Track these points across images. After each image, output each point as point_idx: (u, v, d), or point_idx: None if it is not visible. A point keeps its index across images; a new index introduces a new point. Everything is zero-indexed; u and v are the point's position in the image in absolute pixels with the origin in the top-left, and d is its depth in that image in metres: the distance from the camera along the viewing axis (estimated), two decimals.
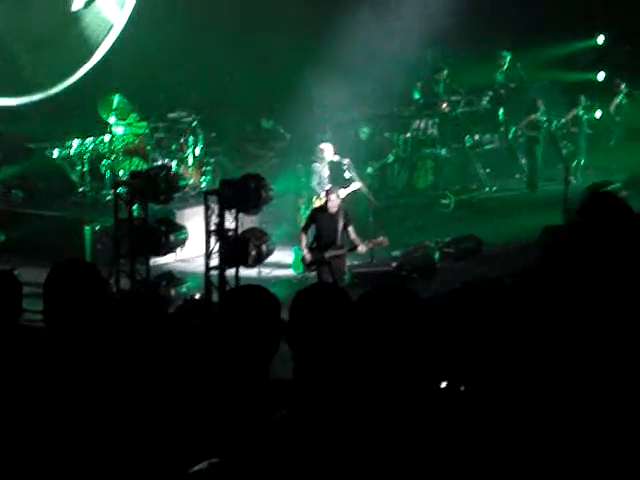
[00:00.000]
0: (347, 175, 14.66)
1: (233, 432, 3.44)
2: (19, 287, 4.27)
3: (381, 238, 13.11)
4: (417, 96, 19.26)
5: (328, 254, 12.48)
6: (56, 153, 16.19)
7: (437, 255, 14.40)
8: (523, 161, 19.54)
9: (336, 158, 14.62)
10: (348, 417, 3.09)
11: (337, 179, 14.67)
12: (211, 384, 3.87)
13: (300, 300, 3.84)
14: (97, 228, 14.51)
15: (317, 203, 14.56)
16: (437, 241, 14.81)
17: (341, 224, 12.53)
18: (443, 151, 18.72)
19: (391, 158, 17.02)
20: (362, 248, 12.74)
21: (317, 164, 14.61)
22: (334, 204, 12.48)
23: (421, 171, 19.08)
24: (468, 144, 19.05)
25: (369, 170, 15.95)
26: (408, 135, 18.85)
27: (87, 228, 14.60)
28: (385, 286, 3.44)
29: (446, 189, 18.05)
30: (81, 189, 16.13)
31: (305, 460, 2.83)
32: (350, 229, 12.64)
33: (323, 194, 14.47)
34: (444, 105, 18.98)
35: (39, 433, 3.59)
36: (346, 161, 14.60)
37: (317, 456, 2.84)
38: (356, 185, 14.56)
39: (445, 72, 19.25)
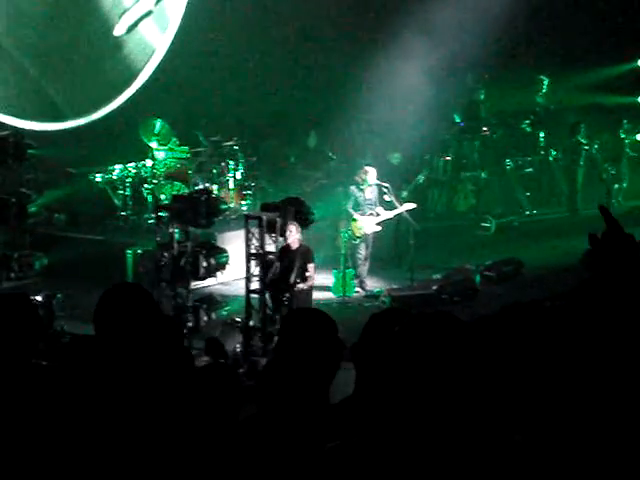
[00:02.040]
0: (387, 198, 14.74)
1: (291, 459, 3.41)
2: (35, 310, 4.20)
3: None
4: (457, 119, 19.25)
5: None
6: (99, 178, 16.39)
7: (478, 278, 14.35)
8: (564, 185, 19.45)
9: (376, 181, 14.72)
10: (401, 450, 3.06)
11: (379, 202, 14.77)
12: (265, 411, 3.83)
13: (374, 322, 3.85)
14: (139, 252, 14.61)
15: (352, 226, 14.66)
16: (478, 264, 14.77)
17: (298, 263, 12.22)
18: (483, 174, 18.69)
19: (421, 179, 16.99)
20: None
21: (353, 187, 14.76)
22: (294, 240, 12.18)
23: (461, 194, 19.07)
24: (509, 167, 19.00)
25: (404, 194, 15.99)
26: (448, 158, 18.86)
27: (129, 252, 14.73)
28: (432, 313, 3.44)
29: (487, 212, 18.01)
30: (123, 213, 16.29)
31: None
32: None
33: (357, 216, 14.59)
34: (485, 128, 18.97)
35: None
36: (386, 185, 14.68)
37: None
38: (406, 206, 14.68)
39: (484, 95, 19.25)
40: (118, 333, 3.80)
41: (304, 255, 12.19)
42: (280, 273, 11.93)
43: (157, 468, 3.58)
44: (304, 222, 11.91)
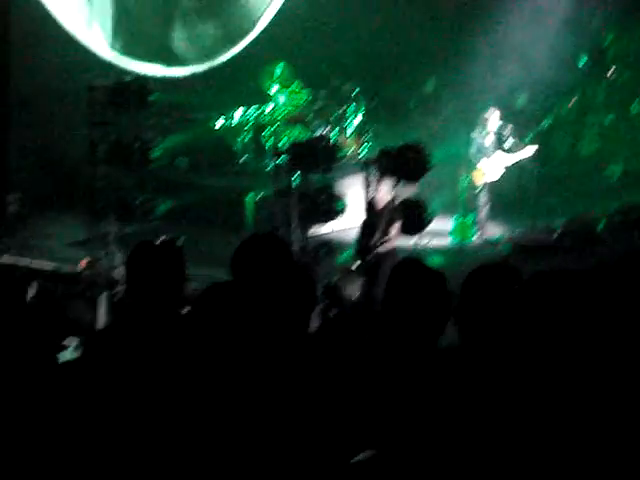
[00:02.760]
0: (508, 143, 14.50)
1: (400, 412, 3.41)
2: (182, 257, 4.26)
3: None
4: (583, 61, 18.73)
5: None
6: (219, 123, 16.51)
7: (602, 226, 14.02)
8: None
9: (498, 126, 14.49)
10: None
11: (499, 148, 14.55)
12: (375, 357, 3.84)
13: (473, 279, 3.82)
14: (258, 197, 14.72)
15: (473, 174, 14.47)
16: (602, 211, 14.43)
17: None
18: (609, 117, 18.19)
19: (547, 124, 16.52)
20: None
21: (475, 133, 14.54)
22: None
23: (586, 138, 18.61)
24: (635, 111, 18.43)
25: (528, 138, 15.68)
26: (574, 100, 18.40)
27: (249, 197, 14.84)
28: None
29: (613, 157, 17.55)
30: (243, 158, 16.39)
31: None
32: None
33: (479, 164, 14.38)
34: (611, 71, 18.43)
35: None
36: (508, 128, 14.43)
37: None
38: (528, 151, 14.41)
39: (612, 36, 18.67)
40: (257, 282, 3.85)
41: (392, 213, 11.18)
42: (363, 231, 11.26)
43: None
44: (422, 169, 11.73)
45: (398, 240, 11.17)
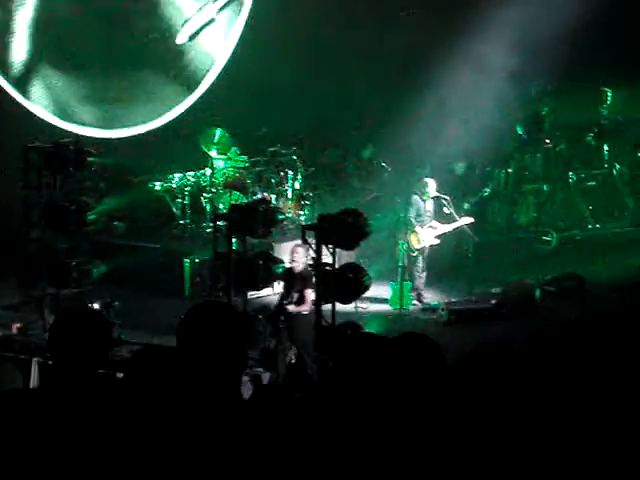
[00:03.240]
0: (446, 211, 14.60)
1: None
2: (105, 323, 4.27)
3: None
4: (520, 131, 19.00)
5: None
6: (158, 186, 16.44)
7: (538, 293, 14.11)
8: (628, 199, 19.07)
9: (436, 194, 14.61)
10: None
11: (438, 215, 14.64)
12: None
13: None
14: (196, 261, 14.62)
15: (411, 237, 14.52)
16: (538, 279, 14.54)
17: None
18: (546, 187, 18.43)
19: (487, 192, 16.67)
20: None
21: (416, 197, 14.63)
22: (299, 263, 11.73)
23: (522, 207, 18.80)
24: (571, 180, 18.70)
25: (466, 206, 15.85)
26: (510, 170, 18.62)
27: (187, 261, 14.74)
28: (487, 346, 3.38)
29: (548, 226, 17.74)
30: (182, 222, 16.31)
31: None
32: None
33: (418, 228, 14.45)
34: (547, 141, 18.71)
35: None
36: (447, 197, 14.55)
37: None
38: (464, 220, 14.53)
39: (548, 108, 18.98)
40: (203, 348, 3.81)
41: (304, 279, 11.61)
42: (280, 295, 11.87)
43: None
44: (361, 235, 11.71)
45: (309, 304, 11.48)
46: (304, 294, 11.56)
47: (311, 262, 11.51)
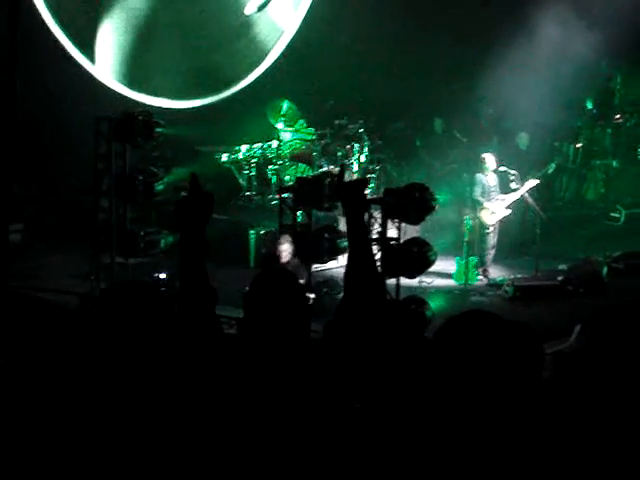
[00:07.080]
0: (514, 186, 14.47)
1: None
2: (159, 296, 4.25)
3: None
4: (590, 106, 18.77)
5: None
6: (225, 157, 16.52)
7: (605, 270, 13.96)
8: None
9: (503, 168, 14.48)
10: None
11: (503, 189, 14.52)
12: None
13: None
14: (262, 232, 14.69)
15: (483, 214, 14.42)
16: (606, 255, 14.37)
17: None
18: (615, 163, 18.19)
19: (552, 168, 16.39)
20: None
21: (480, 174, 14.52)
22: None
23: (591, 182, 18.60)
24: None
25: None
26: (579, 145, 18.41)
27: (252, 232, 14.81)
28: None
29: (617, 202, 17.53)
30: (248, 193, 16.39)
31: None
32: None
33: (487, 203, 14.34)
34: (618, 116, 18.45)
35: None
36: (513, 172, 14.42)
37: None
38: (530, 183, 14.36)
39: (619, 83, 18.70)
40: (267, 316, 3.83)
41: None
42: None
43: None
44: (427, 209, 11.66)
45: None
46: None
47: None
